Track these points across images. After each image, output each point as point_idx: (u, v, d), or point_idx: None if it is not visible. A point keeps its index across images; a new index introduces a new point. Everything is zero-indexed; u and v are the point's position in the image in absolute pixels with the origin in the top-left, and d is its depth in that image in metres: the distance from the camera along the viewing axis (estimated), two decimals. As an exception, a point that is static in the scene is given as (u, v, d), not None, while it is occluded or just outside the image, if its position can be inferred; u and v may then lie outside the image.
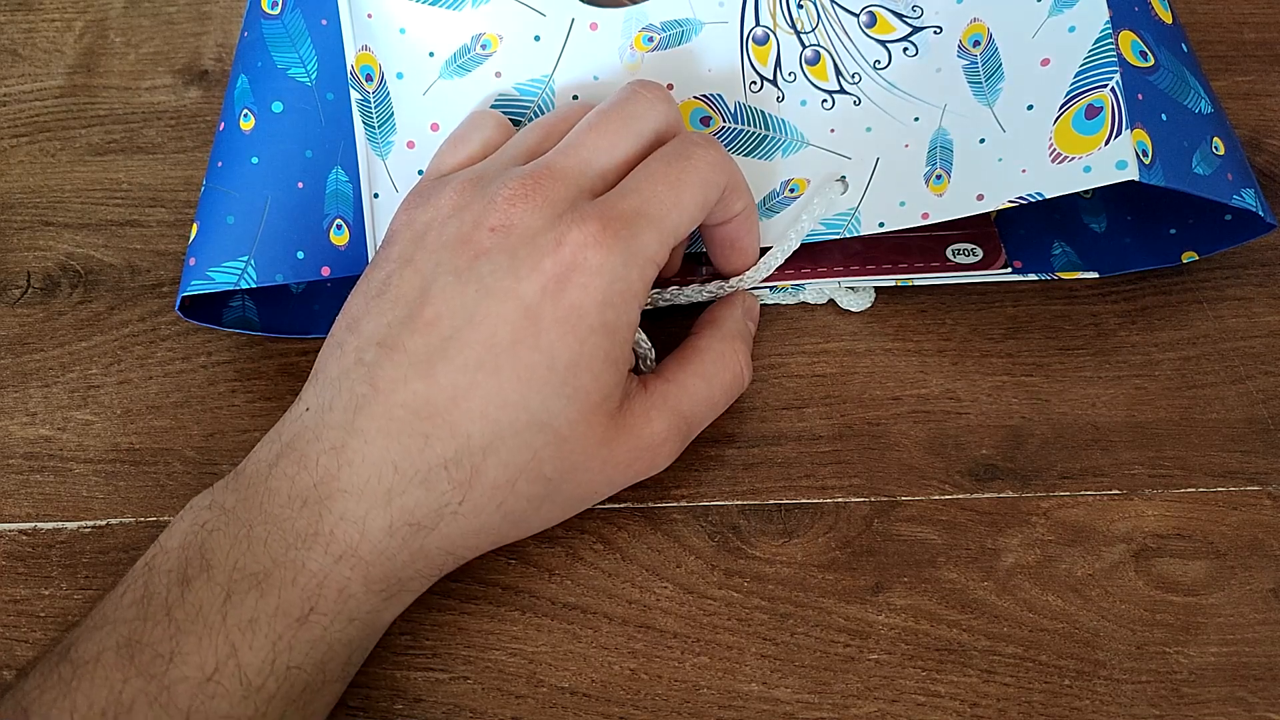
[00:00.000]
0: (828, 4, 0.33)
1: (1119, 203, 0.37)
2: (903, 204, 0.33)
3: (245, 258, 0.33)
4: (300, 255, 0.33)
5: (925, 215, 0.33)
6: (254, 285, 0.33)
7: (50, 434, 0.34)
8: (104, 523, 0.33)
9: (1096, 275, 0.35)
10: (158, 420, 0.34)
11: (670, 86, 0.34)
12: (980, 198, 0.32)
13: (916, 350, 0.35)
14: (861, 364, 0.34)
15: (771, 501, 0.32)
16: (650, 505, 0.32)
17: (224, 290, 0.33)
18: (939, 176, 0.32)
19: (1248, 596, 0.30)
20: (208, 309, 0.35)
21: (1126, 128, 0.30)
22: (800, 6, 0.33)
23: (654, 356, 0.33)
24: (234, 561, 0.26)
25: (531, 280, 0.28)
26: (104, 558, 0.32)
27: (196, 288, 0.33)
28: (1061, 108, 0.31)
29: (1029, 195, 0.31)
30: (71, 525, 0.33)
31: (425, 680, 0.30)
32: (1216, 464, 0.32)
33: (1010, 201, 0.31)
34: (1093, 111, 0.31)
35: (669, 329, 0.34)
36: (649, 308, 0.34)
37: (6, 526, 0.33)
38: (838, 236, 0.33)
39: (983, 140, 0.32)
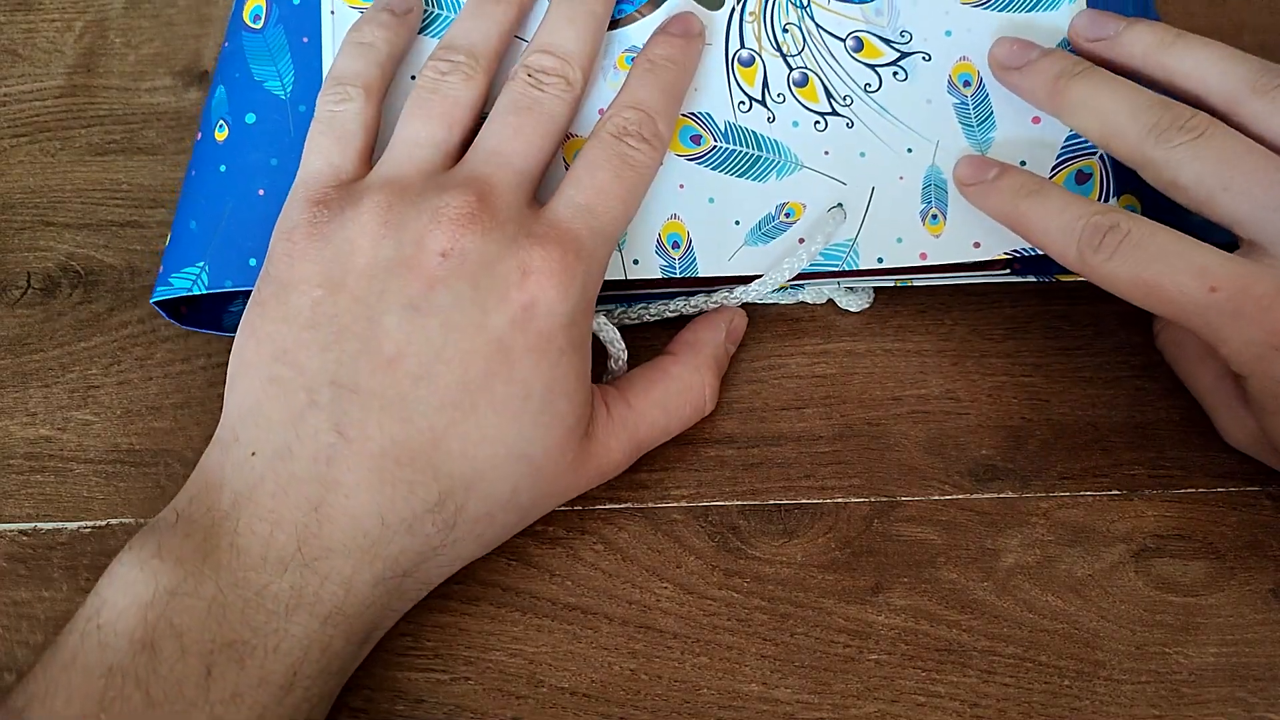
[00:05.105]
0: (813, 29, 0.33)
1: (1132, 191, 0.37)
2: (900, 240, 0.33)
3: (201, 263, 0.33)
4: (252, 262, 0.32)
5: (923, 255, 0.33)
6: (205, 291, 0.32)
7: (50, 434, 0.34)
8: (104, 523, 0.33)
9: None
10: (157, 421, 0.34)
11: None
12: (977, 245, 0.33)
13: (916, 350, 0.35)
14: (861, 364, 0.34)
15: (771, 502, 0.32)
16: (650, 505, 0.32)
17: (184, 295, 0.33)
18: (935, 216, 0.33)
19: (1247, 597, 0.30)
20: (207, 314, 0.35)
21: (1114, 195, 0.32)
22: (785, 31, 0.33)
23: (625, 358, 0.33)
24: (209, 632, 0.25)
25: (499, 313, 0.27)
26: (104, 559, 0.32)
27: (160, 294, 0.33)
28: (1053, 169, 0.32)
29: (1024, 250, 0.32)
30: (72, 526, 0.33)
31: (426, 681, 0.30)
32: (1216, 464, 0.32)
33: (1006, 254, 0.32)
34: (1083, 177, 0.32)
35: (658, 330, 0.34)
36: (633, 322, 0.34)
37: (7, 527, 0.33)
38: (836, 270, 0.33)
39: None
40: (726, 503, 0.32)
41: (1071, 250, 0.29)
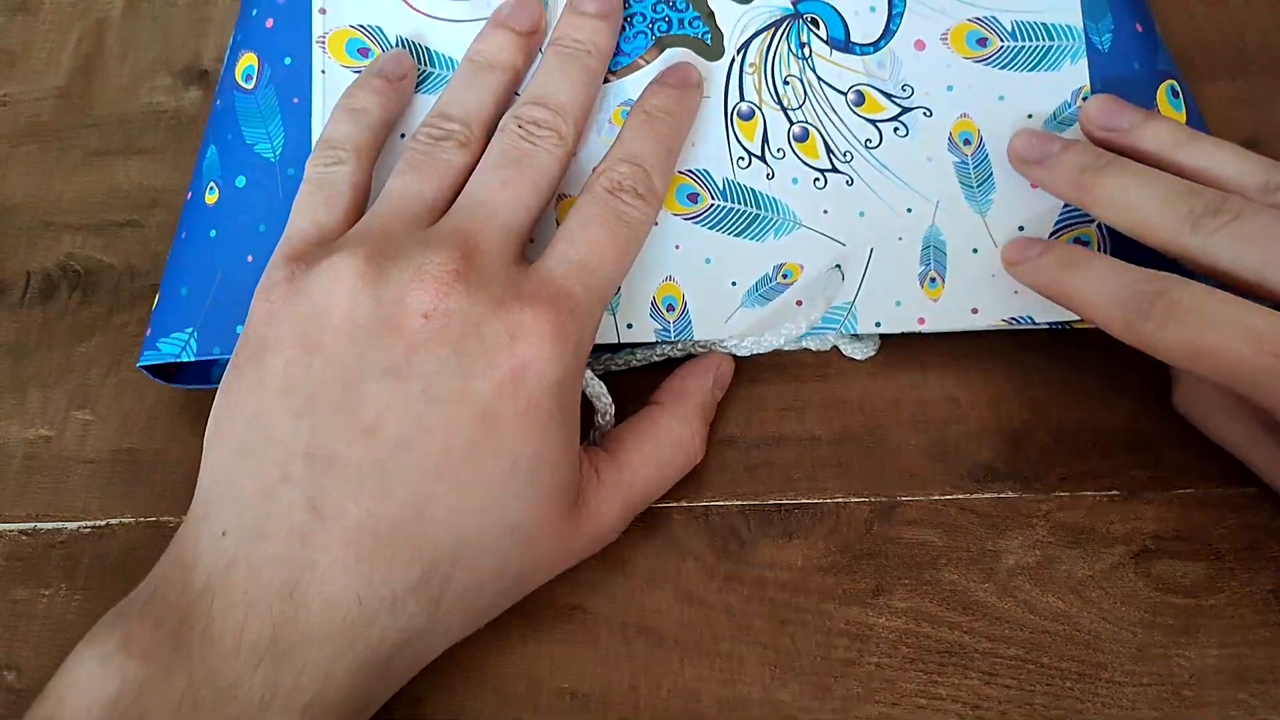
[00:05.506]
0: (814, 81, 0.33)
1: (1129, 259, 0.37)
2: (898, 304, 0.32)
3: (190, 329, 0.32)
4: (239, 330, 0.31)
5: (921, 321, 0.32)
6: (194, 358, 0.32)
7: (50, 435, 0.34)
8: (104, 523, 0.33)
9: None
10: (156, 423, 0.34)
11: None
12: (975, 312, 0.32)
13: (917, 354, 0.35)
14: (862, 367, 0.34)
15: (772, 503, 0.32)
16: (651, 507, 0.32)
17: (171, 361, 0.33)
18: (933, 280, 0.32)
19: (1247, 598, 0.30)
20: (195, 371, 0.34)
21: None
22: (786, 83, 0.33)
23: (613, 413, 0.32)
24: None
25: (485, 379, 0.26)
26: (103, 559, 0.32)
27: (147, 359, 0.33)
28: (1052, 234, 0.32)
29: (1021, 318, 0.32)
30: (71, 525, 0.33)
31: (425, 687, 0.30)
32: (1216, 466, 0.32)
33: (1004, 321, 0.32)
34: (1080, 244, 0.32)
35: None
36: (620, 369, 0.34)
37: (7, 527, 0.33)
38: (834, 332, 0.33)
39: (975, 250, 0.32)
40: (727, 504, 0.32)
41: (1118, 320, 0.28)
